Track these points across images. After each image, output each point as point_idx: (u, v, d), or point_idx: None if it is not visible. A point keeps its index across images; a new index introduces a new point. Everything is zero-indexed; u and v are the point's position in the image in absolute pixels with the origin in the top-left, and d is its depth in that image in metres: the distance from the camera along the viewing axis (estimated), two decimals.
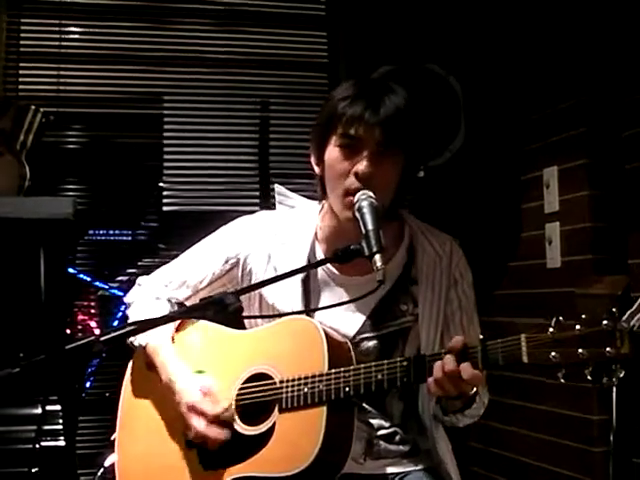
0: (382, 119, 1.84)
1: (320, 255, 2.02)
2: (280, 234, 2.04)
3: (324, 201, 2.03)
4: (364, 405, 1.93)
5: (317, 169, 1.98)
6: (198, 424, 1.88)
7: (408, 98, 1.91)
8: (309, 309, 1.95)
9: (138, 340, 2.02)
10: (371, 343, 1.95)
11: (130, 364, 2.10)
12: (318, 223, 2.05)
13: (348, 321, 1.95)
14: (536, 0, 3.22)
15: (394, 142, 1.87)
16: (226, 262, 2.06)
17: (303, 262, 1.99)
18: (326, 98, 2.00)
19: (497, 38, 3.45)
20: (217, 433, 1.87)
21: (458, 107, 3.48)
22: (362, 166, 1.84)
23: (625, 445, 2.61)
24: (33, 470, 2.46)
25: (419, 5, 3.65)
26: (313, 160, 1.99)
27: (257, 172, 3.87)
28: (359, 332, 1.95)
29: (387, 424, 1.97)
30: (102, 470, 2.75)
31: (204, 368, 2.00)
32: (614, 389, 2.54)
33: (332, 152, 1.90)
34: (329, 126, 1.90)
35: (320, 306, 1.97)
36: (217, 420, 1.88)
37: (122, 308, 3.42)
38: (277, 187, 2.19)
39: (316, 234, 2.04)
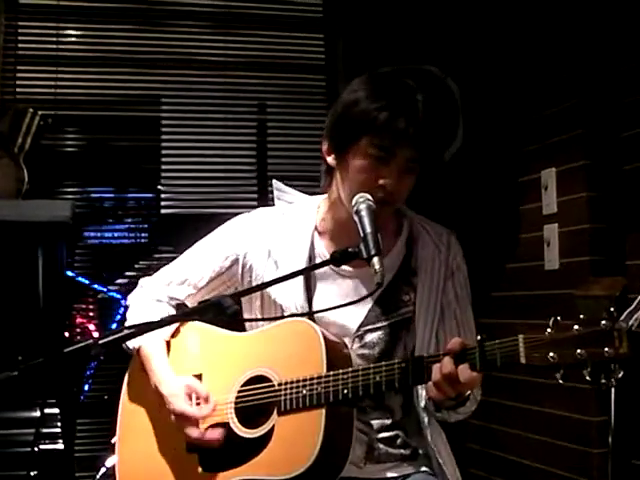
0: (420, 138, 1.85)
1: (321, 249, 2.02)
2: (279, 229, 2.04)
3: (329, 193, 2.01)
4: (363, 404, 1.93)
5: (330, 160, 1.96)
6: (190, 431, 1.89)
7: (436, 102, 1.94)
8: (310, 312, 1.94)
9: (132, 343, 2.02)
10: (375, 334, 1.95)
11: (129, 366, 2.10)
12: (319, 216, 2.04)
13: (351, 314, 1.95)
14: (534, 2, 3.22)
15: (423, 160, 1.89)
16: (226, 259, 2.06)
17: (304, 256, 1.99)
18: (351, 94, 1.92)
19: (495, 40, 3.45)
20: (211, 436, 1.89)
21: (456, 109, 3.48)
22: (391, 180, 1.85)
23: (624, 447, 2.61)
24: (32, 473, 2.46)
25: (416, 7, 3.65)
26: (327, 150, 1.96)
27: (255, 174, 3.87)
28: (363, 324, 1.96)
29: (388, 422, 1.97)
30: (104, 470, 2.75)
31: (202, 371, 2.00)
32: (613, 390, 2.54)
33: (360, 158, 1.87)
34: (361, 131, 1.87)
35: (322, 298, 1.97)
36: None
37: (121, 311, 3.42)
38: (275, 183, 2.18)
39: (316, 227, 2.04)
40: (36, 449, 2.50)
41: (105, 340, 1.57)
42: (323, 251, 2.01)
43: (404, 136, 1.84)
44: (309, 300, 1.98)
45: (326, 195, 2.04)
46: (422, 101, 1.90)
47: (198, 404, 1.91)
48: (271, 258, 2.01)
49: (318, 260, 2.00)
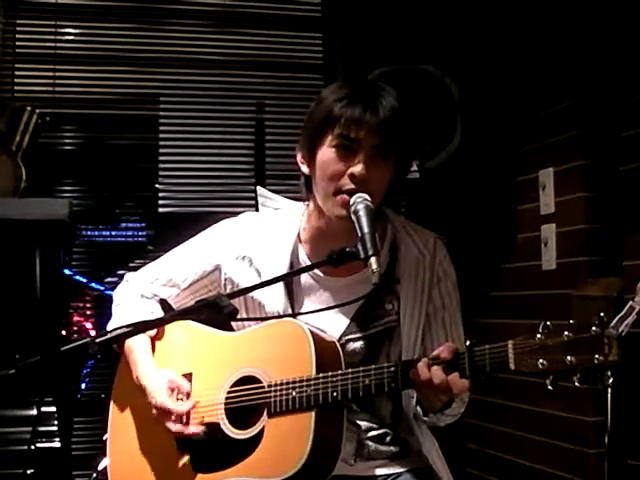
0: (381, 122, 1.84)
1: (303, 256, 2.01)
2: (262, 236, 2.03)
3: (309, 202, 2.02)
4: (353, 407, 1.92)
5: (304, 168, 1.96)
6: (170, 426, 1.90)
7: (400, 100, 1.91)
8: (295, 313, 1.94)
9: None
10: (357, 344, 1.94)
11: (119, 364, 2.10)
12: (302, 224, 2.04)
13: (333, 323, 1.95)
14: (532, 2, 3.23)
15: (390, 146, 1.87)
16: (208, 264, 2.06)
17: (285, 264, 1.98)
18: (317, 98, 1.98)
19: (493, 39, 3.46)
20: (191, 430, 1.89)
21: (454, 108, 3.48)
22: (358, 168, 1.84)
23: (620, 447, 2.61)
24: (28, 471, 2.46)
25: (415, 6, 3.65)
26: (300, 159, 1.97)
27: (252, 173, 3.87)
28: (345, 333, 1.94)
29: (377, 425, 1.96)
30: (95, 474, 2.74)
31: (192, 369, 1.99)
32: (609, 390, 2.54)
33: (326, 152, 1.88)
34: (324, 126, 1.89)
35: (304, 307, 1.96)
36: (186, 417, 1.89)
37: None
38: (259, 189, 2.18)
39: (299, 235, 2.03)
40: (33, 447, 2.50)
41: (102, 338, 1.57)
42: (305, 259, 2.00)
43: (361, 121, 1.83)
44: (292, 308, 1.97)
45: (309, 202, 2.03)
46: (385, 91, 1.90)
47: (179, 400, 1.91)
48: (253, 266, 2.01)
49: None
